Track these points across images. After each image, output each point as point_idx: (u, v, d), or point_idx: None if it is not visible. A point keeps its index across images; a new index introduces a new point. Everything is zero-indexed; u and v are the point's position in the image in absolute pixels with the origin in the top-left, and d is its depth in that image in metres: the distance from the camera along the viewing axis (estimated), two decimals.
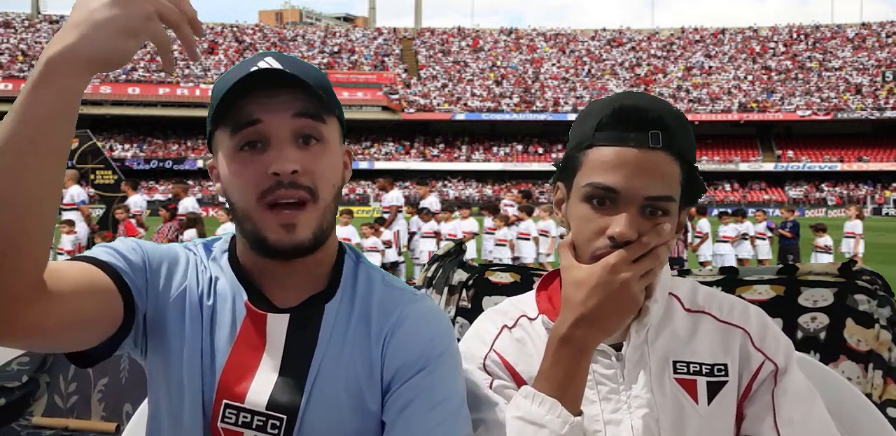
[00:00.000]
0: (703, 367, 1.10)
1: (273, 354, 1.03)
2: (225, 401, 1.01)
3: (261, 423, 1.00)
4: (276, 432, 1.00)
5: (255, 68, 1.02)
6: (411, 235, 12.16)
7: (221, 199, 1.08)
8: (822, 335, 1.59)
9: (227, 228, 10.39)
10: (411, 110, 55.21)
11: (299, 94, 1.02)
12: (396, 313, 1.07)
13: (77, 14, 0.87)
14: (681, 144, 1.07)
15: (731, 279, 1.64)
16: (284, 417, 1.00)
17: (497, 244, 11.54)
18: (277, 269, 1.06)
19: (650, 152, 1.05)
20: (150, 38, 0.87)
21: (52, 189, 0.84)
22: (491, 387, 1.12)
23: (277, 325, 1.04)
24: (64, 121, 0.84)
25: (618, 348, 1.12)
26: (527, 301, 1.22)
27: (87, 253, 1.02)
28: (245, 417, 1.00)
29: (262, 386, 1.02)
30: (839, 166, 51.99)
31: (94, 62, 0.84)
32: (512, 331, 1.18)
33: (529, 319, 1.18)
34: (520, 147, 55.98)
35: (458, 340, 1.22)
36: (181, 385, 1.02)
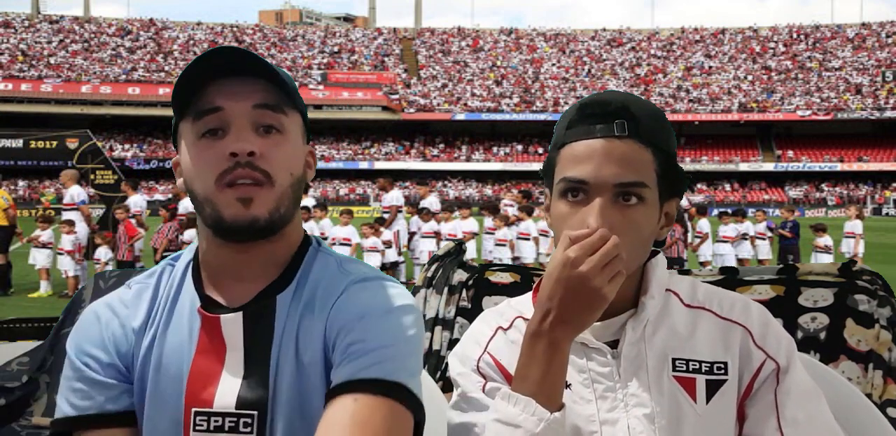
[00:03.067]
0: (703, 365, 1.09)
1: (234, 354, 1.04)
2: (194, 409, 1.01)
3: (233, 424, 1.00)
4: (248, 430, 1.00)
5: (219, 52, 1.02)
6: (411, 235, 12.15)
7: (183, 189, 1.08)
8: (823, 335, 1.59)
9: None
10: (411, 110, 55.19)
11: (261, 84, 1.04)
12: (339, 290, 1.06)
13: None
14: (650, 132, 1.08)
15: (731, 279, 1.64)
16: (255, 412, 1.00)
17: (497, 244, 11.52)
18: (234, 258, 1.06)
19: (617, 141, 1.06)
20: None
21: None
22: (484, 390, 1.11)
23: (233, 324, 1.04)
24: None
25: (614, 345, 1.11)
26: (524, 302, 1.22)
27: (67, 412, 1.04)
28: (216, 420, 1.00)
29: (228, 387, 1.02)
30: (839, 166, 51.98)
31: None
32: (507, 332, 1.17)
33: (525, 320, 1.17)
34: (520, 147, 55.96)
35: (457, 340, 1.22)
36: (153, 402, 1.03)
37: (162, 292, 1.10)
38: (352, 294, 1.05)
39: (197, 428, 1.01)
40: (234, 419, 1.00)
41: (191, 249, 1.14)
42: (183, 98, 1.04)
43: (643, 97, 1.15)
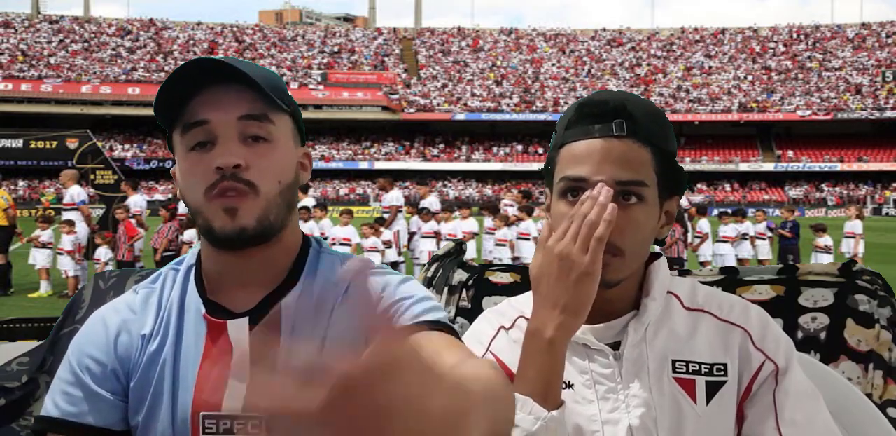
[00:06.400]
0: (703, 366, 1.09)
1: (241, 358, 1.04)
2: (202, 413, 1.02)
3: (241, 425, 1.01)
4: (257, 432, 1.01)
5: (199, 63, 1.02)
6: (411, 235, 12.15)
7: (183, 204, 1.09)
8: (823, 335, 1.59)
9: None
10: (411, 110, 55.18)
11: (246, 93, 1.04)
12: (343, 285, 1.06)
13: None
14: (648, 131, 1.09)
15: (731, 279, 1.63)
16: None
17: (497, 244, 11.53)
18: (234, 264, 1.07)
19: (615, 141, 1.07)
20: None
21: None
22: None
23: (239, 329, 1.05)
24: None
25: (615, 347, 1.11)
26: (525, 302, 1.21)
27: (50, 412, 1.04)
28: (225, 423, 1.01)
29: (235, 391, 1.02)
30: (839, 166, 51.97)
31: None
32: (509, 332, 1.18)
33: (527, 319, 1.17)
34: (520, 147, 55.96)
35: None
36: (160, 408, 1.04)
37: (167, 298, 1.11)
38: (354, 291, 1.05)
39: (206, 431, 1.01)
40: (243, 421, 1.01)
41: (193, 253, 1.15)
42: (167, 112, 1.05)
43: (643, 96, 1.15)
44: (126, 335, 1.08)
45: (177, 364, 1.05)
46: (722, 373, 1.09)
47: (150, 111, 1.11)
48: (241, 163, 1.01)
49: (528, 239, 11.71)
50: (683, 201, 14.45)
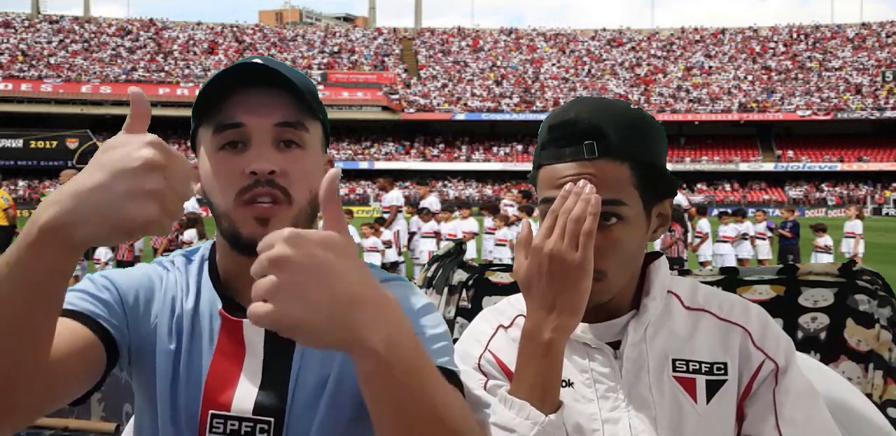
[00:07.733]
0: (703, 365, 1.09)
1: (254, 359, 1.04)
2: (211, 411, 1.01)
3: (249, 428, 1.01)
4: (264, 435, 1.00)
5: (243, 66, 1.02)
6: (411, 235, 12.15)
7: (198, 196, 1.07)
8: (823, 335, 1.59)
9: None
10: (411, 110, 55.18)
11: (284, 98, 1.03)
12: None
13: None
14: (623, 146, 1.06)
15: (731, 279, 1.64)
16: (272, 420, 1.00)
17: (497, 244, 11.53)
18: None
19: (587, 163, 1.06)
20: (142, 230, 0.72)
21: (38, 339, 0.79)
22: (485, 387, 1.11)
23: (255, 330, 1.04)
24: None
25: (616, 346, 1.12)
26: (524, 301, 1.22)
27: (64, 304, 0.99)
28: (233, 424, 1.01)
29: (246, 392, 1.02)
30: (839, 166, 51.96)
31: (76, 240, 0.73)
32: (508, 331, 1.18)
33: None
34: (520, 147, 55.95)
35: (457, 340, 1.22)
36: (166, 402, 1.03)
37: (183, 285, 1.09)
38: None
39: (213, 430, 1.01)
40: (251, 424, 1.01)
41: (206, 246, 1.14)
42: (205, 108, 1.04)
43: (623, 100, 1.13)
44: (145, 295, 1.06)
45: (189, 358, 1.04)
46: (722, 372, 1.09)
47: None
48: (276, 169, 1.01)
49: None
50: (683, 201, 14.46)
